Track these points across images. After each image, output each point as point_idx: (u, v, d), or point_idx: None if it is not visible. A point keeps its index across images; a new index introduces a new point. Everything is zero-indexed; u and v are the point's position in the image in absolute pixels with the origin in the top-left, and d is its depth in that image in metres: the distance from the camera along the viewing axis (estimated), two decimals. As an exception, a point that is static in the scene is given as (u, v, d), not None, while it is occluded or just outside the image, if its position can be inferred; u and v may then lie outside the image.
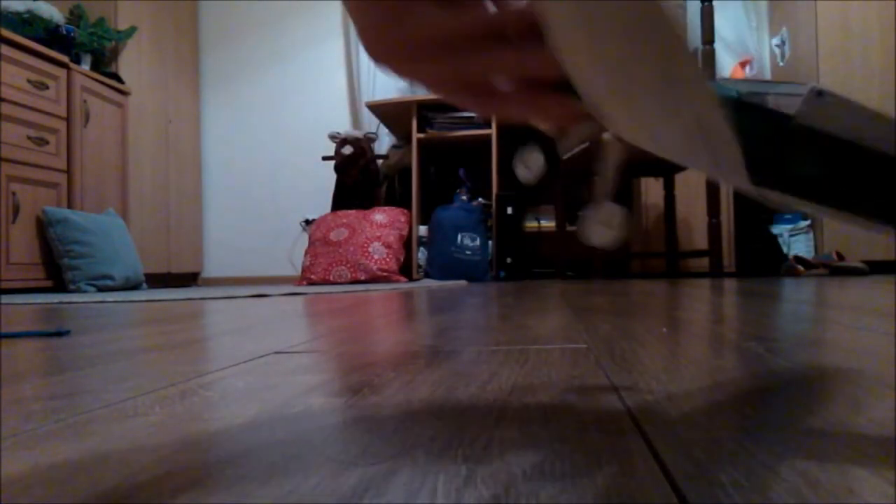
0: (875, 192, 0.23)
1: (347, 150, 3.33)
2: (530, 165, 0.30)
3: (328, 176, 3.65)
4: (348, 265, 3.00)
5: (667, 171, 2.87)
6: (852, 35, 2.76)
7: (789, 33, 3.31)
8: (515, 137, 3.21)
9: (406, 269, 3.17)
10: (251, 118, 4.20)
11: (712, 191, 2.56)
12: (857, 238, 2.73)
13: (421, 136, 3.20)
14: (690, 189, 3.09)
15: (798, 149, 0.24)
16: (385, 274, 2.98)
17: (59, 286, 2.73)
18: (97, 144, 3.06)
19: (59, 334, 0.76)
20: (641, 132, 0.28)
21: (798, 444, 0.23)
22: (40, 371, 0.49)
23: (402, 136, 3.66)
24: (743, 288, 1.56)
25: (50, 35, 2.85)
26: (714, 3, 2.58)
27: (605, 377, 0.39)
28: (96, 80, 3.07)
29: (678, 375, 0.39)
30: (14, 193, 2.56)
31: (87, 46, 3.10)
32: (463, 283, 2.71)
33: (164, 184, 3.72)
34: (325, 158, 3.62)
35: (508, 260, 3.05)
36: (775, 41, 3.49)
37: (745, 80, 0.26)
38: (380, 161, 3.64)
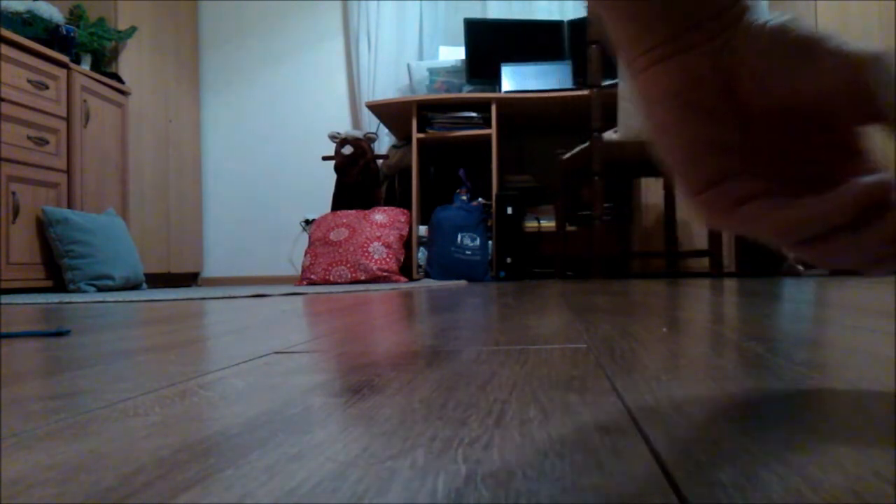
0: None
1: (347, 150, 3.33)
2: None
3: (328, 176, 3.65)
4: (348, 265, 3.00)
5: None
6: (852, 35, 2.76)
7: (789, 33, 3.30)
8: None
9: (406, 269, 3.17)
10: (251, 118, 4.20)
11: (712, 191, 2.55)
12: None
13: (421, 136, 3.20)
14: (690, 189, 3.09)
15: None
16: (385, 274, 2.98)
17: (59, 286, 2.73)
18: (97, 144, 3.06)
19: (59, 334, 0.76)
20: None
21: (798, 444, 0.23)
22: (40, 371, 0.49)
23: (402, 136, 3.66)
24: (743, 288, 1.56)
25: (50, 35, 2.85)
26: (714, 3, 2.58)
27: (605, 377, 0.39)
28: (96, 80, 3.07)
29: (678, 375, 0.39)
30: (14, 193, 2.56)
31: (87, 46, 3.10)
32: (463, 283, 2.71)
33: (164, 184, 3.72)
34: (325, 158, 3.62)
35: (508, 260, 3.05)
36: (775, 41, 3.49)
37: None
38: (380, 161, 3.64)
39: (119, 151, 3.26)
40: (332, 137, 3.45)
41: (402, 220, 3.18)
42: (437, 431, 0.27)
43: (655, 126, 0.29)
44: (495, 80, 3.40)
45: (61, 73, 2.83)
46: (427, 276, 3.15)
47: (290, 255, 4.09)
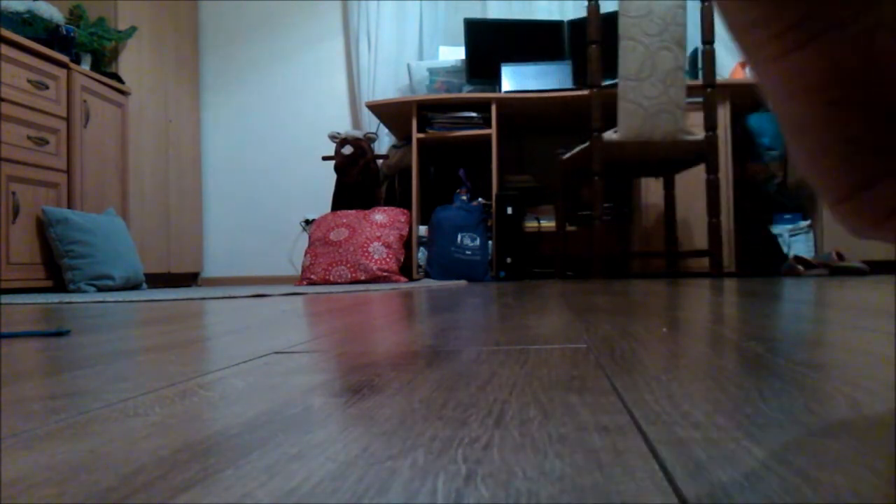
0: None
1: (347, 150, 3.33)
2: None
3: (328, 176, 3.65)
4: (348, 265, 3.00)
5: (667, 171, 2.87)
6: None
7: (789, 33, 3.30)
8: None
9: (406, 269, 3.17)
10: (251, 118, 4.20)
11: (712, 191, 2.56)
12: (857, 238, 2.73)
13: (421, 136, 3.20)
14: (690, 189, 3.09)
15: None
16: (385, 274, 2.98)
17: (59, 286, 2.73)
18: (97, 144, 3.06)
19: (59, 334, 0.76)
20: None
21: (798, 444, 0.23)
22: (40, 371, 0.49)
23: (402, 136, 3.66)
24: (743, 288, 1.56)
25: (50, 35, 2.85)
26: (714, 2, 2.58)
27: (605, 377, 0.39)
28: (96, 80, 3.07)
29: (678, 375, 0.39)
30: (14, 193, 2.56)
31: (87, 46, 3.10)
32: (463, 283, 2.71)
33: (164, 184, 3.71)
34: (325, 158, 3.62)
35: (508, 260, 3.05)
36: (775, 41, 3.48)
37: None
38: (380, 161, 3.64)
39: (119, 151, 3.26)
40: (332, 137, 3.45)
41: (402, 220, 3.18)
42: (437, 431, 0.27)
43: (791, 125, 0.24)
44: (495, 80, 3.40)
45: (61, 73, 2.83)
46: (427, 276, 3.15)
47: (290, 255, 4.09)
